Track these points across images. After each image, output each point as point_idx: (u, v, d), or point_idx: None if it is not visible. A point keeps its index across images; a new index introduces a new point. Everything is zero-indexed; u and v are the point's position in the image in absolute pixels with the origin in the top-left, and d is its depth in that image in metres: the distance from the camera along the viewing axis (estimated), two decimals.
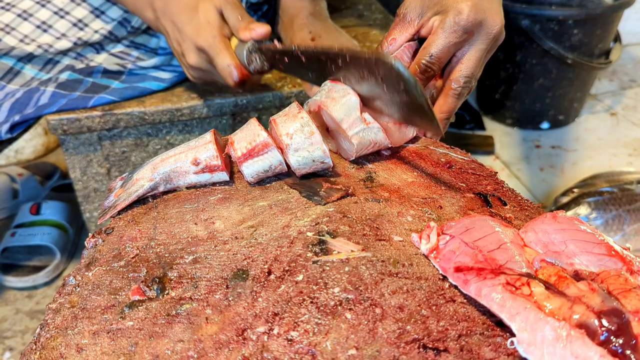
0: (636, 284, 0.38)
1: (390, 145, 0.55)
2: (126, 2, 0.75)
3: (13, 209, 1.27)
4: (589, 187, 1.25)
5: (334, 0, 1.10)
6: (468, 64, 0.56)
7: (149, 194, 0.53)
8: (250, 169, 0.51)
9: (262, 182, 0.53)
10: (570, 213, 1.19)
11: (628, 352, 0.34)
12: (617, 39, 1.57)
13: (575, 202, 1.21)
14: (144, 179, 0.52)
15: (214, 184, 0.53)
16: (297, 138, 0.50)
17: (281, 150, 0.51)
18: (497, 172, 0.57)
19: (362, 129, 0.52)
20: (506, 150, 1.54)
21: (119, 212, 0.51)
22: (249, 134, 0.51)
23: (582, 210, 1.19)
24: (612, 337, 0.34)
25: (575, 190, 1.26)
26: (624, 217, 1.16)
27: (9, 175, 1.31)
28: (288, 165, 0.52)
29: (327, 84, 0.54)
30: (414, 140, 0.60)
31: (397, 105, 0.51)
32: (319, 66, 0.56)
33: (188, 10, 0.67)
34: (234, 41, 0.68)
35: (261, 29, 0.65)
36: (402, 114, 0.52)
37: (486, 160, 1.49)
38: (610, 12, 1.44)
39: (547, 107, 1.59)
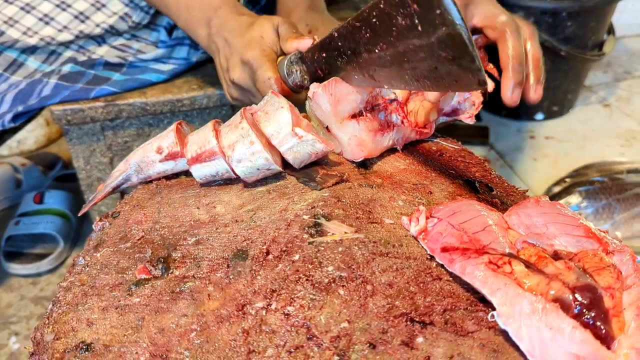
0: (610, 262, 0.41)
1: (330, 151, 0.53)
2: (179, 17, 0.73)
3: (16, 198, 1.30)
4: (581, 177, 1.28)
5: None
6: (488, 7, 0.53)
7: (124, 185, 0.57)
8: (198, 172, 0.52)
9: None
10: (562, 202, 1.21)
11: (599, 323, 0.36)
12: (611, 31, 1.59)
13: (567, 191, 1.24)
14: (118, 171, 0.56)
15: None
16: (238, 149, 0.50)
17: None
18: (485, 160, 0.59)
19: (295, 144, 0.50)
20: (501, 141, 1.57)
21: (123, 201, 0.54)
22: (201, 138, 0.52)
23: (574, 199, 1.22)
24: (584, 310, 0.37)
25: (568, 179, 1.29)
26: (614, 206, 1.19)
27: (12, 165, 1.33)
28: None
29: (268, 94, 0.53)
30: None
31: (435, 55, 0.44)
32: (355, 41, 0.50)
33: (244, 27, 0.67)
34: (280, 59, 0.65)
35: (307, 40, 0.62)
36: (441, 68, 0.45)
37: (481, 151, 1.52)
38: (603, 5, 1.46)
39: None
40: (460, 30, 0.41)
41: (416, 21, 0.44)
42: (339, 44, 0.52)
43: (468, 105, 0.61)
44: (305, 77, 0.59)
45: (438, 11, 0.41)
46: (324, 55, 0.53)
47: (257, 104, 0.54)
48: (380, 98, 0.56)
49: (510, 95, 0.55)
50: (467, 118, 0.60)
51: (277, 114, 0.51)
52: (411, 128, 0.57)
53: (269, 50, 0.63)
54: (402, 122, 0.56)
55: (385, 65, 0.49)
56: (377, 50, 0.49)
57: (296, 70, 0.59)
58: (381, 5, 0.46)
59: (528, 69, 0.57)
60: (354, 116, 0.54)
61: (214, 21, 0.69)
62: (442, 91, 0.52)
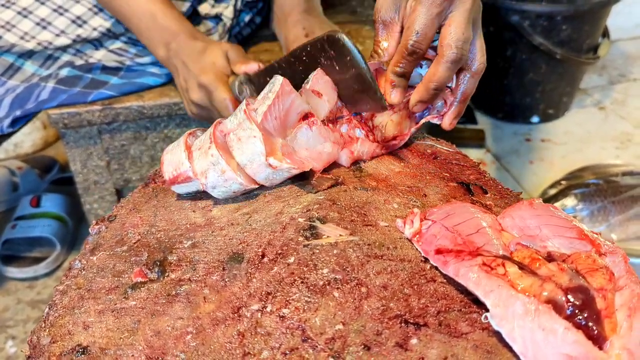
0: (603, 264, 0.41)
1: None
2: (141, 36, 0.82)
3: (13, 202, 1.30)
4: (577, 180, 1.29)
5: None
6: (456, 28, 0.55)
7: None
8: (180, 190, 0.52)
9: None
10: (557, 204, 1.22)
11: (591, 324, 0.37)
12: (606, 34, 1.60)
13: (562, 193, 1.25)
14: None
15: None
16: (211, 177, 0.50)
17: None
18: (479, 163, 0.60)
19: (270, 173, 0.50)
20: (497, 144, 1.57)
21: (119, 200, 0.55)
22: (175, 159, 0.51)
23: (569, 201, 1.22)
24: (577, 312, 0.37)
25: (563, 182, 1.30)
26: (609, 209, 1.20)
27: (9, 168, 1.33)
28: None
29: (240, 112, 0.52)
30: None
31: (350, 87, 0.54)
32: (292, 71, 0.57)
33: (197, 53, 0.76)
34: (232, 79, 0.74)
35: (254, 64, 0.72)
36: (356, 96, 0.55)
37: (477, 154, 1.52)
38: (598, 8, 1.48)
39: (537, 101, 1.62)
40: (364, 72, 0.53)
41: (334, 62, 0.54)
42: (280, 72, 0.59)
43: (440, 105, 0.60)
44: (254, 94, 0.68)
45: (348, 57, 0.52)
46: (268, 78, 0.56)
47: (215, 119, 0.54)
48: (345, 111, 0.57)
49: (410, 107, 0.58)
50: (435, 118, 0.59)
51: (249, 144, 0.49)
52: (376, 143, 0.57)
53: (221, 73, 0.74)
54: (367, 136, 0.57)
55: None
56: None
57: (246, 89, 0.70)
58: (308, 48, 0.56)
59: (454, 99, 0.59)
60: (305, 117, 0.53)
61: (172, 45, 0.78)
62: (362, 111, 0.58)
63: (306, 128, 0.53)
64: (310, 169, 0.54)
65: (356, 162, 0.57)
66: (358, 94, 0.55)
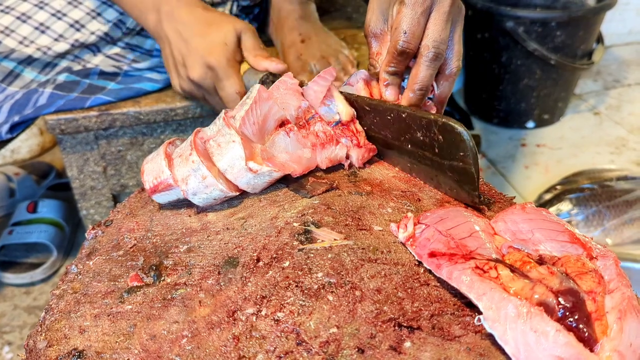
0: (592, 267, 0.42)
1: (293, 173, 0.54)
2: (129, 4, 0.73)
3: (10, 208, 1.30)
4: (572, 184, 1.30)
5: (323, 2, 1.13)
6: (434, 28, 0.56)
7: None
8: (161, 200, 0.52)
9: None
10: (552, 209, 1.23)
11: (582, 326, 0.37)
12: (600, 40, 1.62)
13: (557, 198, 1.25)
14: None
15: None
16: (192, 183, 0.50)
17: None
18: None
19: (251, 178, 0.50)
20: (493, 149, 1.58)
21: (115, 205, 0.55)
22: (155, 167, 0.51)
23: (564, 206, 1.23)
24: (567, 314, 0.38)
25: (559, 187, 1.31)
26: (604, 213, 1.21)
27: (6, 174, 1.34)
28: None
29: (219, 120, 0.51)
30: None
31: (441, 170, 0.51)
32: (364, 116, 0.56)
33: (200, 24, 0.67)
34: (244, 67, 0.68)
35: (281, 65, 0.66)
36: (441, 179, 0.52)
37: None
38: (592, 14, 1.49)
39: (532, 106, 1.63)
40: (472, 170, 0.48)
41: (435, 145, 0.50)
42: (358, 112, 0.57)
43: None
44: None
45: (462, 153, 0.48)
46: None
47: (210, 103, 0.53)
48: (314, 110, 0.56)
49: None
50: None
51: (229, 148, 0.49)
52: (364, 148, 0.57)
53: (233, 60, 0.66)
54: (352, 140, 0.57)
55: (381, 145, 0.58)
56: (379, 133, 0.56)
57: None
58: (403, 116, 0.52)
59: (431, 102, 0.60)
60: (282, 125, 0.54)
61: (164, 7, 0.68)
62: (433, 187, 0.55)
63: (284, 134, 0.53)
64: (307, 176, 0.54)
65: (351, 167, 0.57)
66: (447, 179, 0.52)
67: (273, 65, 0.66)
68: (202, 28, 0.66)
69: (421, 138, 0.51)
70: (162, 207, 0.54)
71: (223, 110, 0.52)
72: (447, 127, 0.48)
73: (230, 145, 0.49)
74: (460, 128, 0.47)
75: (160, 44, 0.73)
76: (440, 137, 0.49)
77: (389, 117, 0.54)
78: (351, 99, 0.57)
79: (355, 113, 0.57)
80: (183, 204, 0.53)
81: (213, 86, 0.68)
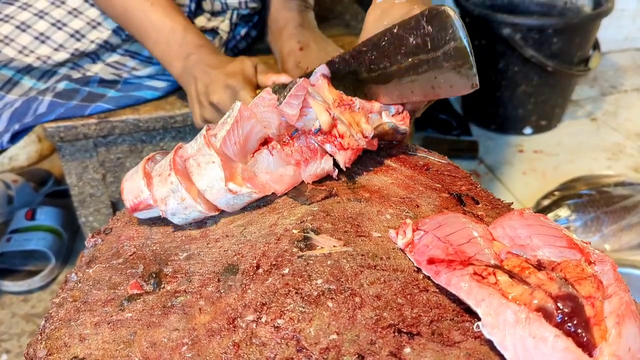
0: (591, 272, 0.42)
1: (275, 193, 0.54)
2: (156, 49, 0.79)
3: (8, 215, 1.30)
4: (569, 190, 1.30)
5: (322, 10, 1.14)
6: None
7: None
8: (142, 216, 0.52)
9: None
10: (550, 215, 1.23)
11: (580, 331, 0.37)
12: (596, 46, 1.63)
13: (555, 204, 1.26)
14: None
15: None
16: (170, 204, 0.49)
17: None
18: (472, 174, 0.60)
19: (231, 198, 0.50)
20: (490, 155, 1.59)
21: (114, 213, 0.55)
22: (134, 187, 0.51)
23: (562, 212, 1.23)
24: (566, 319, 0.38)
25: (556, 193, 1.31)
26: (602, 219, 1.21)
27: (4, 181, 1.33)
28: None
29: (200, 137, 0.52)
30: (394, 145, 0.62)
31: (437, 66, 0.51)
32: (357, 63, 0.56)
33: (224, 62, 0.75)
34: (258, 91, 0.71)
35: (284, 76, 0.72)
36: (440, 77, 0.51)
37: (471, 165, 1.53)
38: (588, 21, 1.50)
39: (529, 113, 1.64)
40: (464, 44, 0.48)
41: (427, 39, 0.50)
42: (337, 66, 0.58)
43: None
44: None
45: (450, 30, 0.48)
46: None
47: None
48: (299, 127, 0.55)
49: None
50: (400, 121, 0.59)
51: (208, 169, 0.49)
52: (350, 150, 0.55)
53: (249, 79, 0.73)
54: (335, 145, 0.55)
55: (382, 82, 0.55)
56: (378, 68, 0.55)
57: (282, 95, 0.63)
58: (394, 30, 0.52)
59: None
60: (264, 143, 0.54)
61: (193, 57, 0.76)
62: (432, 98, 0.56)
63: (267, 153, 0.53)
64: (306, 183, 0.55)
65: (349, 174, 0.58)
66: (445, 73, 0.51)
67: (278, 77, 0.72)
68: (225, 64, 0.75)
69: (414, 42, 0.51)
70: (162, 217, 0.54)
71: (205, 127, 0.52)
72: (432, 12, 0.49)
73: (209, 165, 0.49)
74: (443, 7, 0.49)
75: (186, 87, 0.78)
76: (430, 27, 0.50)
77: (383, 43, 0.54)
78: (346, 57, 0.57)
79: (334, 120, 0.55)
80: None
81: (231, 104, 0.71)
